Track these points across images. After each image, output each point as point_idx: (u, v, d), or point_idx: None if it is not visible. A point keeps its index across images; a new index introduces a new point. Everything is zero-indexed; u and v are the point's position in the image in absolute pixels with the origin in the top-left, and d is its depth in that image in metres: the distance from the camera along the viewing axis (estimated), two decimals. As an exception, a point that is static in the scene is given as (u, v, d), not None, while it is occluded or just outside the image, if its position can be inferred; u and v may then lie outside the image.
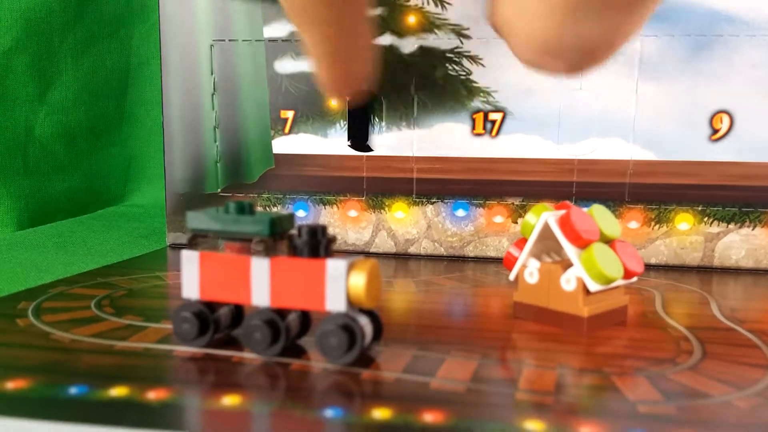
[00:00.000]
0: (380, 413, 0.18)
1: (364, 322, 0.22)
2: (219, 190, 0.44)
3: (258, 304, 0.22)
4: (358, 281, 0.21)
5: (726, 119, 0.38)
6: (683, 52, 0.38)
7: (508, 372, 0.22)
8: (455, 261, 0.41)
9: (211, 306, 0.23)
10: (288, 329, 0.22)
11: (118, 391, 0.19)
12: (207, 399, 0.19)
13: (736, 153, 0.38)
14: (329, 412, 0.18)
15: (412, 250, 0.43)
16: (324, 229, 0.22)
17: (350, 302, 0.21)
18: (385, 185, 0.42)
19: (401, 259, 0.42)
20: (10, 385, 0.20)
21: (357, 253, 0.42)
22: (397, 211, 0.42)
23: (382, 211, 0.43)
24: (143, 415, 0.18)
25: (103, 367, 0.22)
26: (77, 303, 0.30)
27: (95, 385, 0.20)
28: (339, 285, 0.21)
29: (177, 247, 0.44)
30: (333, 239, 0.22)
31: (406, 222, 0.42)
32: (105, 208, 0.65)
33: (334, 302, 0.21)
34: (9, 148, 0.54)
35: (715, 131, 0.38)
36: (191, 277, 0.23)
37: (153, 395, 0.19)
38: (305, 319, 0.24)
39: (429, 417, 0.18)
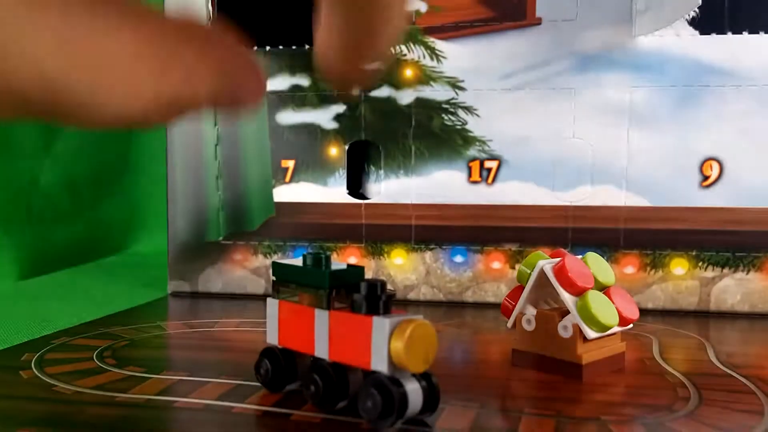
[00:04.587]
0: (380, 464, 0.18)
1: (412, 387, 0.21)
2: (221, 238, 0.44)
3: (320, 355, 0.22)
4: (399, 342, 0.20)
5: (716, 166, 0.39)
6: (672, 102, 0.39)
7: (507, 421, 0.22)
8: (454, 306, 0.42)
9: (290, 354, 0.24)
10: (346, 385, 0.22)
11: (121, 444, 0.20)
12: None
13: (727, 199, 0.39)
14: (330, 464, 0.18)
15: (411, 296, 0.43)
16: (384, 284, 0.21)
17: (394, 364, 0.20)
18: (384, 232, 0.43)
19: (401, 305, 0.42)
20: (15, 438, 0.20)
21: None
22: (397, 258, 0.43)
23: (381, 257, 0.43)
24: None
25: (105, 419, 0.22)
26: (80, 354, 0.30)
27: (98, 438, 0.20)
28: (382, 344, 0.20)
29: (178, 295, 0.44)
30: (392, 295, 0.22)
31: (405, 268, 0.43)
32: (107, 257, 0.66)
33: (378, 362, 0.20)
34: (13, 198, 0.55)
35: (706, 178, 0.39)
36: (272, 323, 0.24)
37: (156, 448, 0.19)
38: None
39: (428, 467, 0.18)
